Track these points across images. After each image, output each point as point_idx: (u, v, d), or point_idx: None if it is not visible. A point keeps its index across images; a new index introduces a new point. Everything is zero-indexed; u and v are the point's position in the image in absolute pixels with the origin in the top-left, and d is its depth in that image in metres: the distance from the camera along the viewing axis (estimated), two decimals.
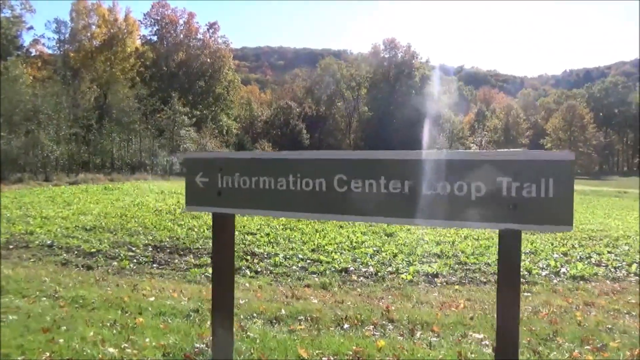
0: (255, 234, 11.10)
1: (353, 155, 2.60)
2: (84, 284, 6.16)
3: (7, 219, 12.37)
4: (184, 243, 9.96)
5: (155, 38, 58.69)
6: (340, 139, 79.81)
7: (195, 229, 11.58)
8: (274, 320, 4.77)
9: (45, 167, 27.45)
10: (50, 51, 57.75)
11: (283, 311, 5.04)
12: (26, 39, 56.05)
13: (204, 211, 3.14)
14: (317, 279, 7.27)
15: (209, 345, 3.56)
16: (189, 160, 3.18)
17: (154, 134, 40.36)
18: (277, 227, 12.27)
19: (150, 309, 4.96)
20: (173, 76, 56.20)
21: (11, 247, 9.09)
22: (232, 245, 3.12)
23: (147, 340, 3.86)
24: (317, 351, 3.74)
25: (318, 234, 11.44)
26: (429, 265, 8.12)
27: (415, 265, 8.21)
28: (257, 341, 3.93)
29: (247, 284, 6.83)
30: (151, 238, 10.35)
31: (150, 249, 9.38)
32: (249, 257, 8.66)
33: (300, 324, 4.63)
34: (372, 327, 4.63)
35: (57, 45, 57.82)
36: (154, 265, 8.16)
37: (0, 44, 36.14)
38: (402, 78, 75.63)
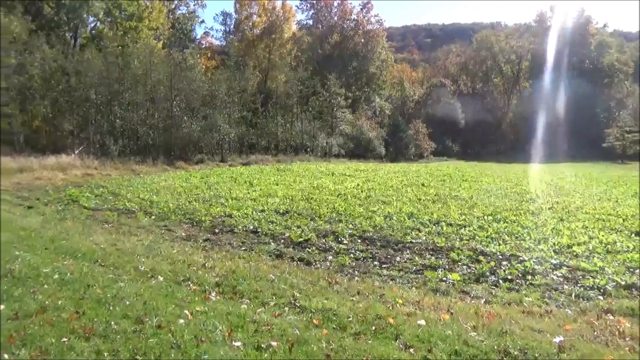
0: None
1: None
2: (324, 291, 4.89)
3: (202, 199, 12.33)
4: (391, 235, 8.46)
5: (310, 22, 59.43)
6: (499, 117, 72.95)
7: (394, 218, 10.05)
8: None
9: (222, 148, 29.00)
10: (217, 42, 62.56)
11: None
12: (198, 31, 60.86)
13: None
14: None
15: None
16: None
17: (314, 116, 40.61)
18: None
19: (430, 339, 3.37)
20: (328, 58, 56.34)
21: (217, 231, 8.55)
22: None
23: None
24: None
25: None
26: None
27: None
28: None
29: None
30: (352, 227, 9.07)
31: (359, 240, 8.05)
32: None
33: None
34: None
35: (224, 36, 62.32)
36: (375, 262, 6.74)
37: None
38: (573, 47, 65.71)
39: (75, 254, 6.03)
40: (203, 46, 57.92)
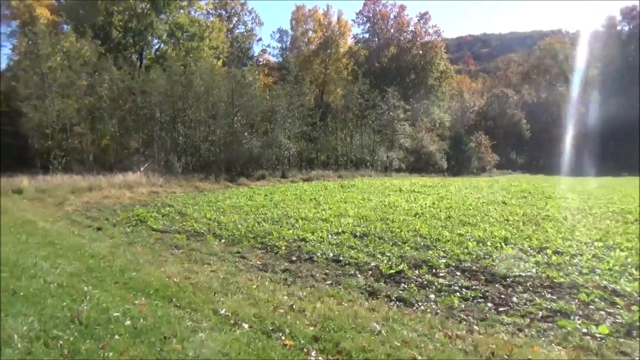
0: None
1: None
2: (447, 350, 3.86)
3: (271, 220, 11.61)
4: (492, 265, 7.26)
5: (367, 35, 58.84)
6: (566, 128, 68.51)
7: (488, 243, 8.82)
8: None
9: (282, 164, 28.62)
10: (274, 59, 63.34)
11: None
12: (255, 49, 61.95)
13: None
14: None
15: None
16: None
17: (374, 130, 39.63)
18: None
19: None
20: (385, 71, 55.38)
21: (294, 259, 7.70)
22: None
23: None
24: None
25: None
26: None
27: None
28: None
29: None
30: (443, 254, 7.94)
31: (457, 272, 6.92)
32: None
33: None
34: None
35: (280, 52, 63.08)
36: (489, 304, 5.61)
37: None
38: None
39: (148, 290, 5.35)
40: (260, 63, 58.72)
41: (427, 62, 56.99)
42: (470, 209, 13.74)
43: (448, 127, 60.87)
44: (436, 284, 6.27)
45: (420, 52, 57.00)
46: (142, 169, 25.01)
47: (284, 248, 8.29)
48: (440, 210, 13.26)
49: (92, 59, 28.85)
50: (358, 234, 9.72)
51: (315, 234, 9.52)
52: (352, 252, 8.02)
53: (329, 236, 9.43)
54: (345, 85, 44.83)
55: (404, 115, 44.11)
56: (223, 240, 9.35)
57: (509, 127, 65.26)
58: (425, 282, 6.36)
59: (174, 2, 39.65)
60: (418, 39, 57.47)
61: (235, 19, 56.64)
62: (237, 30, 56.87)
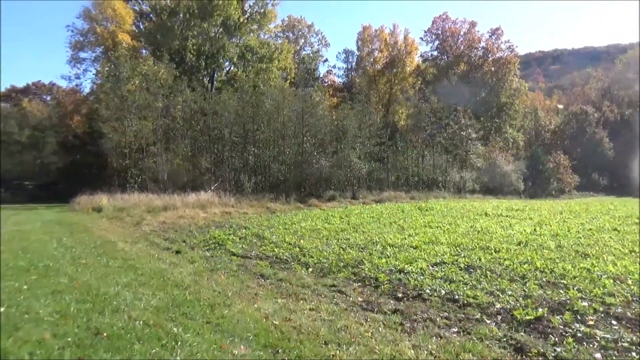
0: None
1: None
2: None
3: (357, 246, 10.60)
4: None
5: (435, 53, 57.23)
6: None
7: (629, 282, 7.28)
8: None
9: (352, 185, 27.69)
10: (339, 80, 63.24)
11: None
12: (321, 70, 62.13)
13: None
14: None
15: None
16: None
17: (445, 149, 37.87)
18: None
19: None
20: (454, 89, 53.40)
21: (400, 295, 6.59)
22: None
23: None
24: None
25: None
26: None
27: None
28: None
29: None
30: (579, 294, 6.53)
31: (611, 320, 5.52)
32: None
33: None
34: None
35: (345, 73, 62.95)
36: None
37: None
38: None
39: (246, 335, 4.48)
40: (326, 84, 58.67)
41: (499, 79, 54.34)
42: (580, 237, 12.01)
43: (522, 146, 57.54)
44: (597, 337, 4.93)
45: (492, 68, 54.54)
46: (212, 188, 25.01)
47: (386, 282, 7.20)
48: (545, 239, 11.66)
49: (168, 81, 29.64)
50: (462, 265, 8.47)
51: (414, 265, 8.38)
52: (466, 288, 6.80)
53: (430, 267, 8.26)
54: (415, 104, 43.41)
55: (475, 134, 41.93)
56: (311, 270, 8.44)
57: (589, 146, 60.64)
58: (580, 334, 5.04)
59: (244, 26, 40.49)
60: (490, 55, 55.09)
61: (302, 40, 57.25)
62: (304, 52, 57.38)
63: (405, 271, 7.97)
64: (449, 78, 54.49)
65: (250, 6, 42.00)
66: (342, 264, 8.64)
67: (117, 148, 26.35)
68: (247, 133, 28.12)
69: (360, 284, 7.32)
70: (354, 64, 61.67)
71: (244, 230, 13.69)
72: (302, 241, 11.49)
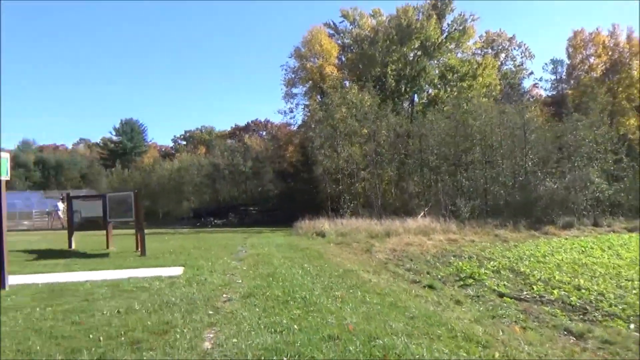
0: None
1: None
2: None
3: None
4: None
5: None
6: None
7: None
8: None
9: (593, 209, 23.34)
10: (546, 93, 56.79)
11: None
12: (525, 83, 56.56)
13: None
14: None
15: None
16: None
17: None
18: None
19: None
20: None
21: None
22: None
23: None
24: None
25: None
26: None
27: None
28: None
29: None
30: None
31: None
32: None
33: None
34: None
35: (554, 85, 56.32)
36: None
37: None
38: None
39: None
40: (532, 99, 53.14)
41: None
42: None
43: None
44: None
45: None
46: (423, 213, 23.75)
47: None
48: None
49: (373, 107, 29.96)
50: None
51: None
52: None
53: None
54: None
55: None
56: (634, 326, 6.30)
57: None
58: None
59: (443, 46, 39.22)
60: None
61: (503, 55, 53.21)
62: (505, 67, 53.17)
63: None
64: None
65: (448, 24, 40.65)
66: None
67: (328, 174, 27.28)
68: (458, 154, 26.37)
69: None
70: (563, 74, 54.88)
71: (492, 262, 11.91)
72: (579, 280, 9.25)
